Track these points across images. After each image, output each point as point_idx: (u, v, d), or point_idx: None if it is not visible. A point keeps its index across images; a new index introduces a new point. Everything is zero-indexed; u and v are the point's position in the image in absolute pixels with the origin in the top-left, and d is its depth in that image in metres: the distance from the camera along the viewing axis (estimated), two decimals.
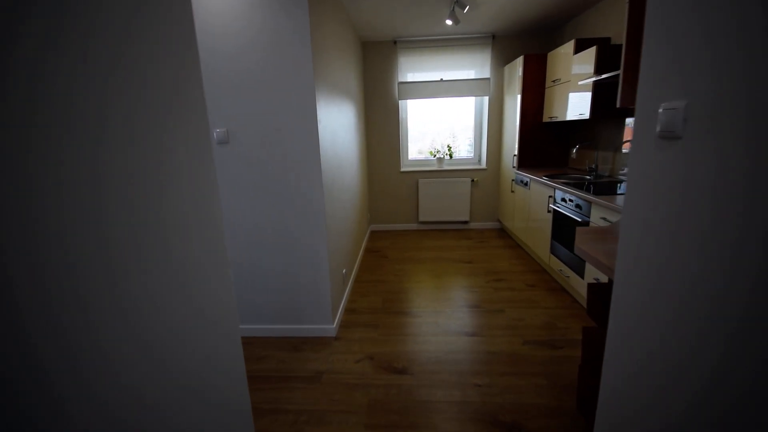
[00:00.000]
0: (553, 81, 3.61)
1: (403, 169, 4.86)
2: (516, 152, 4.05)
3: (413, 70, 4.59)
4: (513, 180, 4.15)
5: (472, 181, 4.81)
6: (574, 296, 2.85)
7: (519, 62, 3.92)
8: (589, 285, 1.62)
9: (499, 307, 2.75)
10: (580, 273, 2.64)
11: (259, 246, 2.32)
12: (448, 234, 4.76)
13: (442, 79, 4.56)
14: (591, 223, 2.46)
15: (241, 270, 2.36)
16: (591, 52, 2.89)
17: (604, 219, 2.28)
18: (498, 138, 4.69)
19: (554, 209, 3.05)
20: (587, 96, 2.97)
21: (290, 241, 2.29)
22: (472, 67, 4.55)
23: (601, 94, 2.91)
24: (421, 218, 4.91)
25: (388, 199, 4.96)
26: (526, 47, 4.41)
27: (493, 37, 4.42)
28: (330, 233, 2.41)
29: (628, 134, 2.98)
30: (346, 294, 2.90)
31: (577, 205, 2.65)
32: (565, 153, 4.05)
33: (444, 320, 2.60)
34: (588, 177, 3.30)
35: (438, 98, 4.63)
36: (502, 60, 4.48)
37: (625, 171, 3.01)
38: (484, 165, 4.81)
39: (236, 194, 2.25)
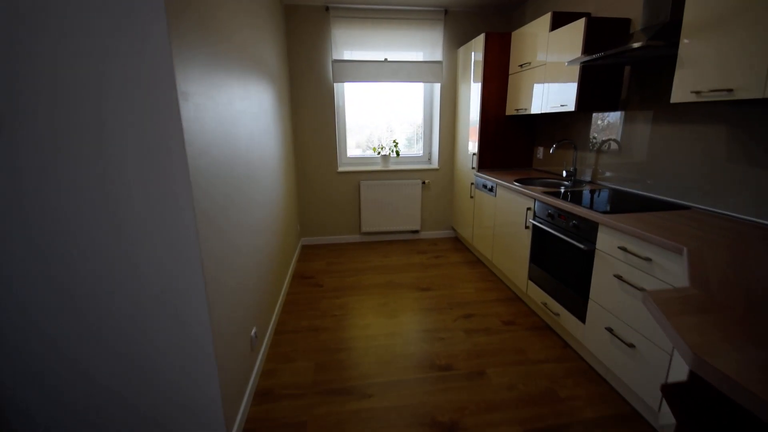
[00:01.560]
0: (521, 66, 2.98)
1: (341, 169, 3.96)
2: (476, 151, 3.38)
3: (351, 46, 3.69)
4: (472, 184, 3.49)
5: (423, 183, 4.08)
6: (566, 339, 2.24)
7: (478, 43, 3.23)
8: (665, 386, 0.94)
9: (479, 367, 2.02)
10: (579, 314, 2.02)
11: (73, 311, 1.27)
12: (396, 247, 3.98)
13: (386, 60, 3.73)
14: (599, 252, 1.82)
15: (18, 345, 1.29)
16: (577, 28, 2.26)
17: (624, 249, 1.65)
18: (451, 133, 4.01)
19: (535, 225, 2.42)
20: (571, 83, 2.35)
21: (134, 306, 1.28)
22: (422, 47, 3.78)
23: (589, 81, 2.31)
24: (364, 228, 4.07)
25: (323, 206, 4.03)
26: (483, 26, 3.76)
27: (446, 12, 3.69)
28: (218, 281, 1.45)
29: (612, 131, 2.43)
30: (257, 365, 1.95)
31: (575, 225, 2.01)
32: (530, 151, 3.49)
33: (407, 400, 1.79)
34: (566, 182, 2.73)
35: (381, 82, 3.79)
36: (455, 40, 3.78)
37: (608, 175, 2.48)
38: (436, 164, 4.10)
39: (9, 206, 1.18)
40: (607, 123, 2.51)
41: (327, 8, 3.54)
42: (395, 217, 4.07)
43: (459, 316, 2.55)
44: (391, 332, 2.37)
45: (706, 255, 1.25)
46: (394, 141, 4.06)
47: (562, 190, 2.42)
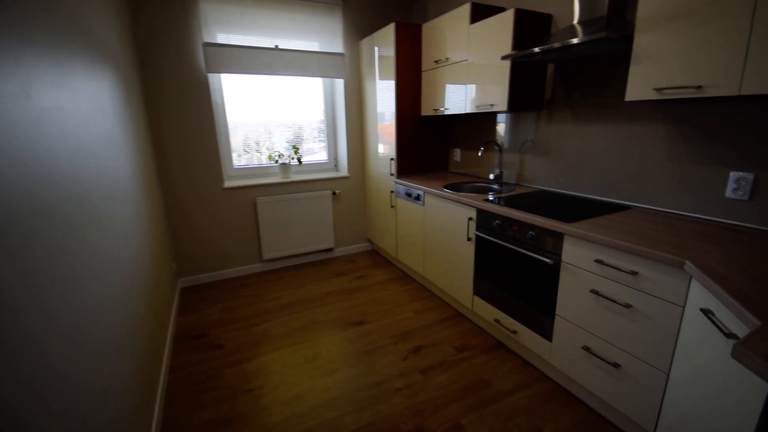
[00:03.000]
0: (437, 62, 2.75)
1: (228, 184, 3.15)
2: (394, 156, 3.05)
3: (228, 27, 2.92)
4: (392, 192, 3.15)
5: (333, 193, 3.57)
6: (525, 358, 2.06)
7: (385, 34, 2.89)
8: None
9: (452, 420, 1.66)
10: (542, 332, 1.85)
11: None
12: (310, 271, 3.38)
13: (277, 47, 3.08)
14: (567, 266, 1.65)
15: None
16: (505, 21, 2.10)
17: (601, 262, 1.49)
18: (360, 136, 3.60)
19: (479, 237, 2.19)
20: (500, 81, 2.19)
21: None
22: (319, 36, 3.26)
23: (518, 79, 2.18)
24: (267, 254, 3.35)
25: (208, 233, 3.15)
26: (384, 17, 3.45)
27: None
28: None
29: (537, 131, 2.38)
30: None
31: (533, 237, 1.82)
32: (447, 154, 3.33)
33: None
34: (495, 186, 2.61)
35: (273, 75, 3.13)
36: (357, 31, 3.37)
37: (535, 177, 2.43)
38: (345, 171, 3.63)
39: None
40: (529, 123, 2.46)
41: None
42: (304, 236, 3.46)
43: (408, 351, 2.17)
44: (333, 398, 1.82)
45: (717, 267, 1.12)
46: (294, 147, 3.44)
47: (497, 196, 2.26)
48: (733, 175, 1.52)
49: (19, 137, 0.86)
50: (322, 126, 3.64)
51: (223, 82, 3.09)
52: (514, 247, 1.91)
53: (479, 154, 2.52)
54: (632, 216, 1.74)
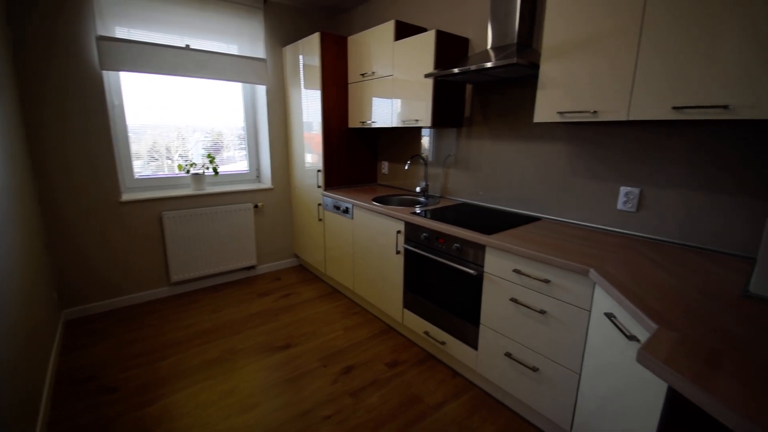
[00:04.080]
0: (362, 75, 2.75)
1: (127, 197, 2.73)
2: (321, 168, 2.95)
3: (129, 20, 2.58)
4: (320, 204, 3.04)
5: (255, 206, 3.33)
6: (454, 368, 2.09)
7: (310, 43, 2.81)
8: None
9: None
10: (469, 341, 1.89)
11: None
12: (229, 293, 3.08)
13: (188, 47, 2.80)
14: (490, 276, 1.72)
15: None
16: (427, 40, 2.17)
17: (518, 272, 1.58)
18: (285, 146, 3.43)
19: (408, 250, 2.19)
20: (425, 98, 2.25)
21: None
22: (238, 38, 3.05)
23: (440, 97, 2.26)
24: (176, 276, 2.97)
25: (101, 254, 2.69)
26: (309, 25, 3.36)
27: (265, 1, 3.09)
28: None
29: (458, 147, 2.50)
30: None
31: (458, 249, 1.86)
32: (375, 166, 3.32)
33: None
34: (422, 199, 2.66)
35: (183, 77, 2.83)
36: (280, 37, 3.23)
37: (458, 190, 2.54)
38: (268, 183, 3.42)
39: None
40: (451, 139, 2.57)
41: None
42: (222, 253, 3.15)
43: (338, 373, 2.06)
44: None
45: (616, 274, 1.24)
46: (210, 155, 3.14)
47: (425, 209, 2.30)
48: (623, 189, 1.73)
49: None
50: (243, 134, 3.39)
51: (122, 82, 2.70)
52: (441, 259, 1.94)
53: (406, 167, 2.55)
54: (542, 227, 1.88)
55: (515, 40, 1.87)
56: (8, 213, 1.68)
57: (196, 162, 3.10)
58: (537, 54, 1.75)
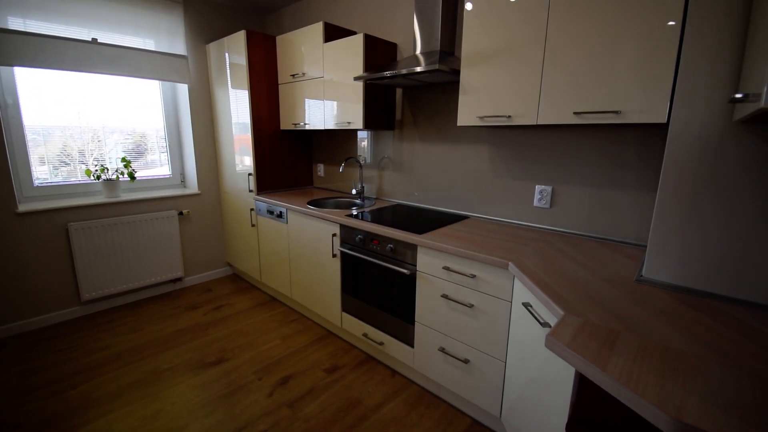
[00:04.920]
0: (293, 75, 2.68)
1: (24, 208, 2.38)
2: (253, 171, 2.82)
3: (25, 10, 2.25)
4: (253, 210, 2.90)
5: (180, 213, 3.09)
6: (393, 367, 2.12)
7: (236, 41, 2.68)
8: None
9: None
10: (406, 339, 1.93)
11: None
12: (151, 309, 2.82)
13: (95, 40, 2.52)
14: (422, 274, 1.77)
15: None
16: (356, 44, 2.18)
17: (447, 269, 1.64)
18: (212, 148, 3.23)
19: (344, 253, 2.18)
20: (356, 100, 2.26)
21: None
22: (153, 33, 2.80)
23: (371, 100, 2.28)
24: (87, 294, 2.65)
25: None
26: (234, 22, 3.20)
27: None
28: None
29: (391, 149, 2.55)
30: None
31: (392, 249, 1.89)
32: (310, 169, 3.26)
33: None
34: (357, 201, 2.66)
35: (90, 73, 2.54)
36: (203, 34, 3.03)
37: (392, 191, 2.59)
38: (195, 188, 3.19)
39: None
40: (386, 141, 2.60)
41: None
42: (142, 266, 2.88)
43: (274, 385, 1.98)
44: None
45: (531, 266, 1.34)
46: (125, 159, 2.85)
47: (360, 211, 2.30)
48: (537, 187, 1.88)
49: None
50: (162, 134, 3.13)
51: (17, 78, 2.35)
52: (376, 260, 1.96)
53: (340, 170, 2.53)
54: (470, 225, 1.98)
55: (438, 47, 1.94)
56: None
57: (108, 167, 2.80)
58: (458, 61, 1.84)
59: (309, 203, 2.49)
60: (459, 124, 1.76)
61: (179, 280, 3.16)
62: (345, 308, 2.27)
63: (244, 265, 3.21)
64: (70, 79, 2.58)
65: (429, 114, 2.29)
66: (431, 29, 1.98)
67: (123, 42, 2.66)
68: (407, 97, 2.40)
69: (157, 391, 1.92)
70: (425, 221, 2.04)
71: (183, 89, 3.03)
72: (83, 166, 2.73)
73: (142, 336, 2.44)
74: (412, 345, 1.90)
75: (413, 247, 1.78)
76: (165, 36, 2.85)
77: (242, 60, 2.66)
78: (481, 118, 1.67)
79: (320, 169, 3.18)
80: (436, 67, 1.70)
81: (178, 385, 1.97)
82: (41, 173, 2.55)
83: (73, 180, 2.69)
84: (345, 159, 2.78)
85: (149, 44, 2.82)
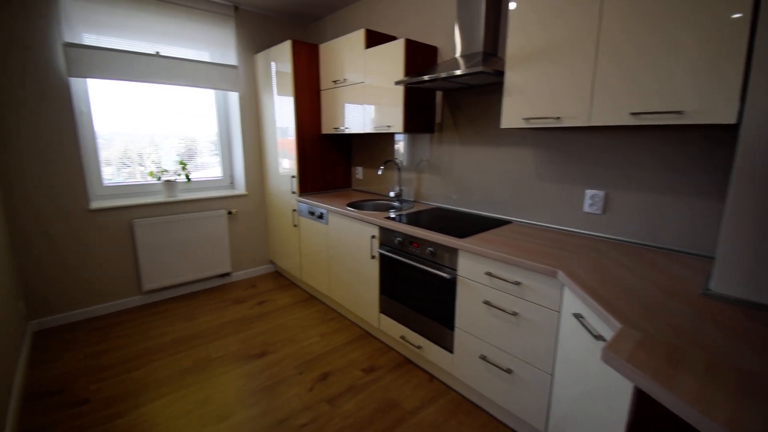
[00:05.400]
0: (334, 81, 2.75)
1: (95, 205, 2.64)
2: (296, 174, 2.93)
3: (98, 27, 2.51)
4: (295, 210, 3.01)
5: (229, 213, 3.27)
6: (431, 372, 2.11)
7: (281, 51, 2.80)
8: None
9: None
10: (445, 345, 1.91)
11: None
12: (203, 300, 3.01)
13: (158, 54, 2.74)
14: (463, 279, 1.74)
15: None
16: (397, 49, 2.20)
17: (490, 275, 1.61)
18: (258, 152, 3.39)
19: (383, 255, 2.20)
20: (396, 104, 2.27)
21: None
22: (209, 46, 3.00)
23: (411, 104, 2.29)
24: (148, 285, 2.88)
25: (68, 264, 2.59)
26: (280, 33, 3.35)
27: (236, 8, 3.07)
28: None
29: (430, 152, 2.54)
30: None
31: (432, 253, 1.88)
32: (349, 172, 3.33)
33: None
34: (396, 203, 2.68)
35: (154, 84, 2.77)
36: (252, 44, 3.20)
37: (431, 195, 2.57)
38: (242, 189, 3.37)
39: None
40: (424, 144, 2.60)
41: None
42: (195, 261, 3.08)
43: (314, 380, 2.04)
44: None
45: (583, 276, 1.28)
46: (182, 162, 3.07)
47: (399, 214, 2.31)
48: (588, 192, 1.80)
49: None
50: (216, 140, 3.33)
51: (90, 89, 2.62)
52: (415, 263, 1.96)
53: (379, 173, 2.56)
54: (513, 230, 1.93)
55: (481, 49, 1.91)
56: None
57: (168, 169, 3.03)
58: (502, 62, 1.80)
59: (348, 205, 2.55)
60: (503, 126, 1.72)
61: (227, 275, 3.35)
62: (383, 310, 2.29)
63: (285, 263, 3.34)
64: (131, 89, 2.81)
65: (470, 116, 2.26)
66: (473, 31, 1.95)
67: (181, 54, 2.87)
68: (447, 99, 2.38)
69: (207, 378, 2.05)
70: (465, 225, 2.01)
71: (234, 97, 3.21)
72: (141, 168, 2.97)
73: (194, 326, 2.61)
74: (451, 351, 1.88)
75: (454, 252, 1.76)
76: (218, 47, 3.04)
77: (287, 68, 2.77)
78: (527, 119, 1.63)
79: (358, 172, 3.24)
80: (480, 68, 1.67)
81: (226, 373, 2.09)
82: (106, 174, 2.81)
83: (133, 180, 2.93)
84: (383, 162, 2.81)
85: (204, 56, 3.02)
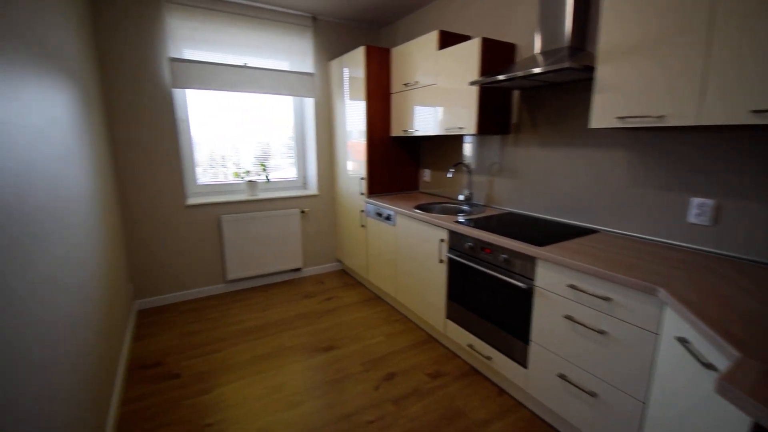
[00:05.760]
0: (405, 84, 2.77)
1: (191, 201, 2.97)
2: (365, 175, 3.00)
3: (196, 43, 2.82)
4: (362, 211, 3.09)
5: (302, 212, 3.46)
6: (500, 385, 2.01)
7: (355, 56, 2.89)
8: None
9: None
10: (518, 358, 1.81)
11: None
12: (276, 292, 3.22)
13: (246, 65, 3.00)
14: (541, 290, 1.64)
15: None
16: (472, 49, 2.14)
17: (574, 287, 1.49)
18: (330, 154, 3.54)
19: (452, 259, 2.15)
20: (469, 105, 2.21)
21: None
22: (289, 55, 3.21)
23: (485, 104, 2.21)
24: (231, 275, 3.16)
25: (168, 252, 2.94)
26: (353, 40, 3.46)
27: (314, 19, 3.24)
28: None
29: (505, 154, 2.42)
30: None
31: (506, 260, 1.80)
32: (416, 174, 3.32)
33: None
34: (465, 207, 2.61)
35: (240, 92, 3.03)
36: (327, 52, 3.35)
37: (504, 199, 2.45)
38: (314, 190, 3.54)
39: None
40: (495, 146, 2.50)
41: None
42: (271, 256, 3.31)
43: (380, 379, 2.06)
44: None
45: (691, 295, 1.13)
46: (262, 164, 3.32)
47: (470, 218, 2.25)
48: (694, 200, 1.58)
49: None
50: (291, 143, 3.55)
51: (187, 98, 2.95)
52: (486, 270, 1.89)
53: (448, 175, 2.52)
54: (600, 240, 1.76)
55: (566, 44, 1.78)
56: (97, 216, 1.90)
57: (249, 170, 3.29)
58: (591, 56, 1.66)
59: (416, 207, 2.54)
60: (593, 126, 1.59)
61: (298, 270, 3.54)
62: (450, 315, 2.24)
63: (351, 262, 3.44)
64: (217, 97, 3.10)
65: (551, 116, 2.12)
66: (557, 25, 1.83)
67: (264, 64, 3.10)
68: (525, 99, 2.26)
69: (279, 366, 2.18)
70: (543, 232, 1.89)
71: (309, 102, 3.39)
72: (224, 169, 3.27)
73: (269, 315, 2.80)
74: (525, 365, 1.78)
75: (531, 260, 1.66)
76: (297, 56, 3.23)
77: (360, 73, 2.85)
78: (621, 119, 1.48)
79: (426, 174, 3.22)
80: (567, 64, 1.56)
81: (296, 363, 2.20)
82: (203, 175, 3.13)
83: (220, 180, 3.23)
84: (453, 164, 2.76)
85: (284, 65, 3.23)
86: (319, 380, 2.06)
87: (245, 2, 2.89)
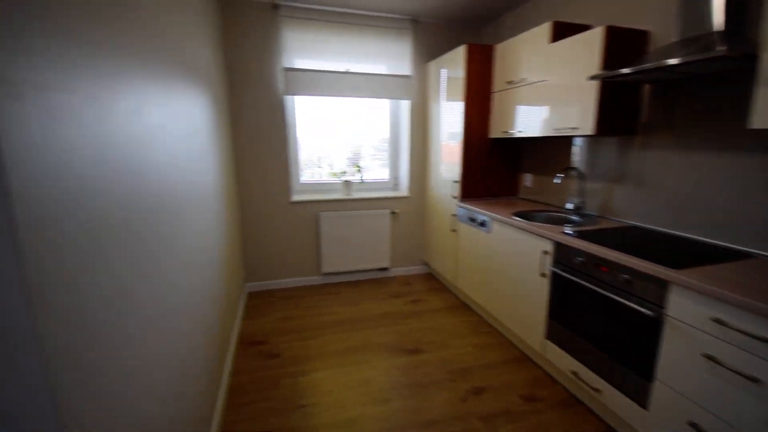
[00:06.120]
0: (509, 82, 2.60)
1: (295, 198, 3.24)
2: (459, 178, 2.92)
3: (305, 53, 3.06)
4: (454, 215, 3.01)
5: (392, 213, 3.52)
6: (608, 422, 1.77)
7: (455, 56, 2.82)
8: None
9: None
10: (636, 396, 1.56)
11: None
12: (365, 289, 3.33)
13: (348, 71, 3.16)
14: (673, 321, 1.38)
15: None
16: (592, 39, 1.91)
17: (719, 322, 1.22)
18: (422, 157, 3.53)
19: (556, 274, 1.96)
20: (585, 103, 1.98)
21: None
22: (387, 59, 3.28)
23: (607, 101, 1.96)
24: (326, 268, 3.37)
25: (274, 243, 3.26)
26: (453, 39, 3.39)
27: (415, 22, 3.26)
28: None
29: (628, 159, 2.11)
30: None
31: (627, 281, 1.57)
32: (516, 178, 3.12)
33: None
34: (575, 217, 2.35)
35: (342, 97, 3.20)
36: (424, 54, 3.35)
37: (624, 210, 2.13)
38: (405, 191, 3.57)
39: None
40: (612, 149, 2.19)
41: (275, 6, 2.89)
42: (361, 253, 3.44)
43: (467, 392, 1.98)
44: (385, 430, 1.71)
45: None
46: (357, 165, 3.47)
47: (578, 230, 2.01)
48: None
49: (133, 153, 0.92)
50: (383, 145, 3.63)
51: (295, 103, 3.23)
52: (601, 290, 1.67)
53: (557, 180, 2.29)
54: (759, 267, 1.42)
55: (714, 28, 1.47)
56: (222, 208, 2.19)
57: (345, 170, 3.46)
58: (754, 43, 1.34)
59: (515, 215, 2.37)
60: (754, 126, 1.28)
61: (386, 269, 3.62)
62: (550, 336, 2.05)
63: (439, 266, 3.38)
64: (318, 102, 3.30)
65: (692, 114, 1.78)
66: (703, 6, 1.52)
67: (364, 69, 3.22)
68: (659, 94, 1.94)
69: (367, 360, 2.24)
70: (679, 252, 1.59)
71: (405, 104, 3.43)
72: (319, 170, 3.48)
73: (359, 310, 2.91)
74: (644, 406, 1.52)
75: (662, 284, 1.42)
76: (395, 59, 3.29)
77: (459, 73, 2.78)
78: None
79: (527, 179, 2.99)
80: (723, 52, 1.29)
81: (383, 361, 2.24)
82: (305, 175, 3.39)
83: (315, 180, 3.45)
84: (562, 169, 2.51)
85: (382, 69, 3.31)
86: (404, 381, 2.06)
87: (349, 11, 3.05)
